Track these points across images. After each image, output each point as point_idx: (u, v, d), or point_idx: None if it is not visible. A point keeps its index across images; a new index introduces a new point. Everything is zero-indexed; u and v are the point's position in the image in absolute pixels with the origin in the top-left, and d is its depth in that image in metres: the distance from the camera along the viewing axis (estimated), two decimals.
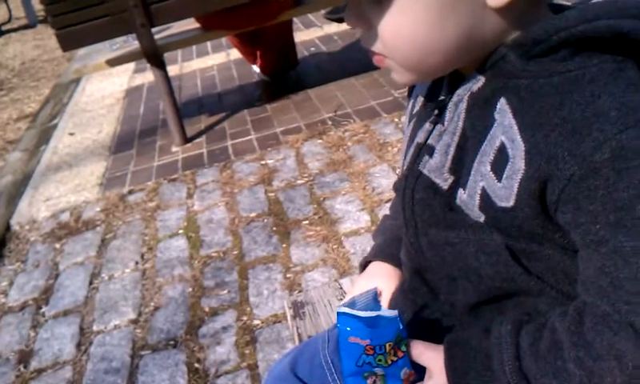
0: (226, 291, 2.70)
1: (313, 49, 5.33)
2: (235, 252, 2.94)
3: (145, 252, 3.13)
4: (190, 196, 3.52)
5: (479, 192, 0.81)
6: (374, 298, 0.93)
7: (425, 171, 0.89)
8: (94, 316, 2.77)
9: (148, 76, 5.17)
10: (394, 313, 0.87)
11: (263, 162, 3.67)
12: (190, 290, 2.77)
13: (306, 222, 3.02)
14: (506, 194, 0.77)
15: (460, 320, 0.92)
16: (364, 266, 1.20)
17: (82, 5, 3.69)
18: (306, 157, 3.60)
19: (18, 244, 3.46)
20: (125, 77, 5.84)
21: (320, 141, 3.74)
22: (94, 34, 3.81)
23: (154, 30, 3.89)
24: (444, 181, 0.87)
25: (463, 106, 0.84)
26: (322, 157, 3.55)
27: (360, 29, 0.84)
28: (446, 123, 0.87)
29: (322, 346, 1.13)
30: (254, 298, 2.61)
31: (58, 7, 3.69)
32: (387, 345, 0.86)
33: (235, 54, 5.32)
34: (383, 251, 1.16)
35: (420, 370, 0.90)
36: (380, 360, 0.86)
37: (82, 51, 4.66)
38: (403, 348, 0.87)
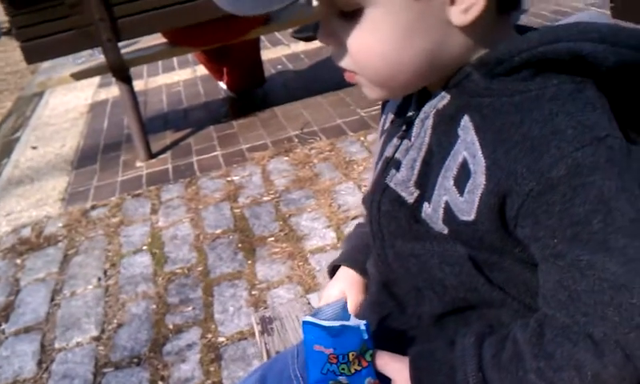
0: (190, 308, 2.68)
1: (280, 67, 5.35)
2: (200, 268, 2.92)
3: (108, 268, 3.10)
4: (154, 212, 3.49)
5: (443, 206, 0.83)
6: (343, 308, 0.94)
7: (391, 184, 0.91)
8: (55, 333, 2.73)
9: (113, 90, 5.13)
10: (361, 323, 0.87)
11: (229, 179, 3.66)
12: (154, 306, 2.74)
13: (272, 238, 3.02)
14: (467, 208, 0.79)
15: (426, 332, 0.94)
16: (332, 270, 1.20)
17: (47, 18, 3.66)
18: (272, 174, 3.60)
19: None
20: (89, 91, 5.79)
21: (286, 158, 3.75)
22: (59, 47, 3.78)
23: (120, 44, 3.88)
24: (410, 194, 0.88)
25: (429, 122, 0.87)
26: (288, 174, 3.56)
27: (331, 45, 0.86)
28: (412, 138, 0.89)
29: (292, 360, 1.13)
30: (218, 314, 2.60)
31: (24, 19, 3.65)
32: (350, 354, 0.87)
33: (202, 70, 5.31)
34: (350, 257, 1.18)
35: (385, 381, 0.90)
36: (343, 369, 0.87)
37: (46, 64, 4.63)
38: (368, 358, 0.88)
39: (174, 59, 5.85)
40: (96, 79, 5.64)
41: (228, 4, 0.79)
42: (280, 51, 5.73)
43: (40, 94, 5.95)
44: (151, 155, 4.11)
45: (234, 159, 3.88)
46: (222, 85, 4.87)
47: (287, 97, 4.59)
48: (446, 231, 0.83)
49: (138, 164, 4.08)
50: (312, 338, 0.88)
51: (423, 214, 0.86)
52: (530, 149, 0.73)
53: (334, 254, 2.71)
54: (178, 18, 3.84)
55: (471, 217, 0.79)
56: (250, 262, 2.88)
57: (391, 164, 0.92)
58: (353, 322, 0.88)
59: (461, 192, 0.80)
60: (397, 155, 0.92)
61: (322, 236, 2.93)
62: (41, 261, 3.27)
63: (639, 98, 0.82)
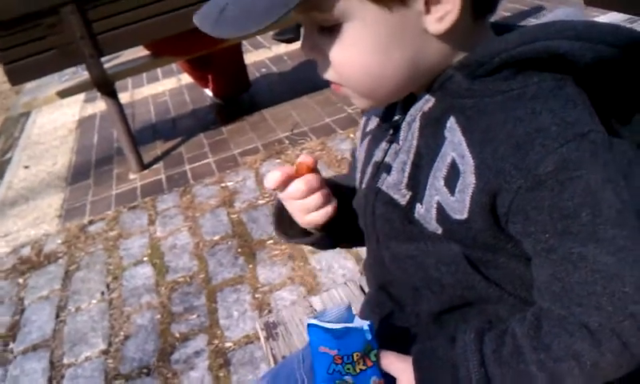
0: (195, 316, 2.72)
1: (264, 70, 5.37)
2: (202, 276, 2.96)
3: (110, 282, 3.13)
4: (151, 223, 3.53)
5: (435, 206, 0.85)
6: (348, 310, 0.96)
7: (383, 188, 0.93)
8: (63, 349, 2.76)
9: (99, 105, 5.14)
10: (365, 324, 0.90)
11: (223, 185, 3.69)
12: (159, 316, 2.78)
13: (271, 241, 3.05)
14: (459, 207, 0.82)
15: (426, 330, 0.96)
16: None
17: (29, 38, 3.67)
18: (265, 177, 3.61)
19: None
20: (76, 107, 5.79)
21: (278, 160, 3.78)
22: (42, 66, 3.80)
23: (103, 59, 3.90)
24: (402, 196, 0.90)
25: (416, 125, 0.89)
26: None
27: (315, 58, 0.88)
28: (401, 142, 0.91)
29: (298, 365, 1.15)
30: (224, 320, 2.64)
31: (5, 41, 3.66)
32: (355, 354, 0.89)
33: (186, 78, 5.33)
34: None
35: (391, 380, 0.93)
36: (349, 369, 0.90)
37: (30, 84, 4.63)
38: (373, 358, 0.91)
39: (158, 69, 5.85)
40: (82, 95, 5.63)
41: (208, 27, 0.81)
42: (263, 54, 5.75)
43: (27, 114, 5.94)
44: (144, 166, 4.14)
45: (226, 165, 3.92)
46: (208, 92, 4.88)
47: (274, 99, 4.62)
48: (440, 231, 0.85)
49: (132, 176, 4.11)
50: (317, 340, 0.91)
51: (416, 215, 0.88)
52: (515, 147, 0.76)
53: (334, 253, 2.77)
54: (158, 30, 3.86)
55: (464, 215, 0.81)
56: (250, 265, 2.92)
57: (382, 168, 0.94)
58: (357, 323, 0.91)
59: (452, 192, 0.82)
60: (387, 159, 0.94)
61: None
62: (43, 279, 3.29)
63: (618, 91, 0.86)
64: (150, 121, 5.02)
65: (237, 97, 4.84)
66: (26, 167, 4.77)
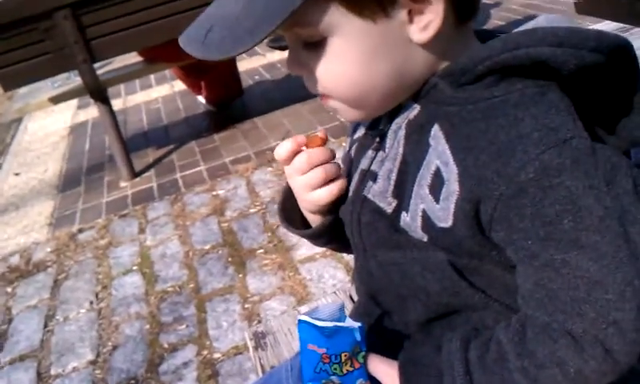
0: (184, 326, 2.69)
1: (257, 77, 5.37)
2: (191, 285, 2.93)
3: (99, 291, 3.10)
4: (141, 231, 3.50)
5: (420, 214, 0.84)
6: (340, 310, 0.95)
7: (369, 196, 0.93)
8: (51, 359, 2.73)
9: (92, 111, 5.12)
10: (355, 325, 0.89)
11: (214, 193, 3.67)
12: (148, 326, 2.75)
13: (261, 250, 3.03)
14: (443, 215, 0.81)
15: (413, 338, 0.95)
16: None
17: (22, 44, 3.66)
18: (257, 185, 3.62)
19: None
20: (68, 113, 5.78)
21: (270, 168, 3.77)
22: (35, 72, 3.79)
23: (96, 65, 3.88)
24: (388, 205, 0.90)
25: (402, 133, 0.89)
26: (273, 184, 3.57)
27: (302, 74, 0.87)
28: (387, 150, 0.91)
29: (286, 375, 1.14)
30: (213, 330, 2.61)
31: None
32: (343, 355, 0.89)
33: (180, 85, 5.32)
34: None
35: (377, 383, 0.92)
36: (335, 369, 0.89)
37: (23, 89, 4.62)
38: (360, 359, 0.90)
39: (152, 76, 5.84)
40: (74, 101, 5.62)
41: (194, 49, 0.81)
42: (256, 61, 5.74)
43: (18, 120, 5.92)
44: (135, 174, 4.12)
45: (218, 173, 3.90)
46: (201, 99, 4.88)
47: (267, 107, 4.61)
48: (425, 239, 0.85)
49: (123, 184, 4.08)
50: (306, 337, 0.90)
51: (402, 223, 0.88)
52: (497, 154, 0.75)
53: (324, 263, 2.76)
54: (152, 36, 3.85)
55: (448, 223, 0.81)
56: (240, 275, 2.90)
57: (368, 176, 0.94)
58: (347, 323, 0.90)
59: (436, 199, 0.82)
60: (373, 167, 0.93)
61: (310, 245, 2.93)
62: (31, 287, 3.27)
63: (602, 97, 0.85)
64: (142, 128, 5.00)
65: (229, 104, 4.83)
66: (17, 174, 4.75)
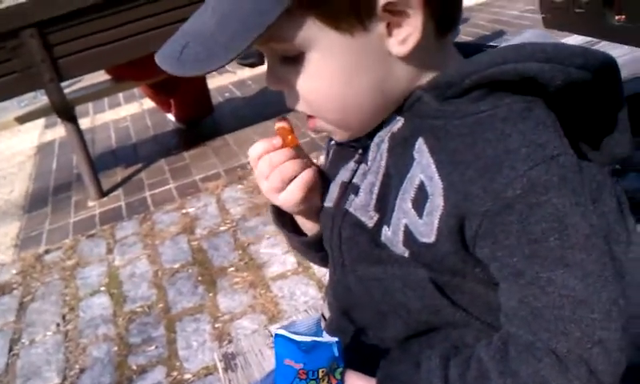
0: (153, 347, 2.64)
1: (227, 94, 5.35)
2: (161, 305, 2.88)
3: (66, 313, 3.04)
4: (109, 251, 3.44)
5: (402, 229, 0.83)
6: (317, 323, 0.92)
7: (351, 210, 0.91)
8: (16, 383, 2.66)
9: (59, 130, 5.06)
10: (333, 340, 0.87)
11: (184, 211, 3.63)
12: (116, 348, 2.70)
13: (232, 268, 2.99)
14: (426, 230, 0.79)
15: (390, 356, 0.93)
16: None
17: None
18: (227, 203, 3.59)
19: None
20: (35, 133, 5.70)
21: (240, 186, 3.73)
22: (1, 91, 3.73)
23: (63, 84, 3.83)
24: (369, 218, 0.88)
25: (385, 146, 0.87)
26: (244, 201, 3.54)
27: (282, 90, 0.86)
28: (369, 163, 0.89)
29: None
30: (183, 351, 2.56)
31: None
32: (320, 371, 0.86)
33: (149, 103, 5.28)
34: None
35: None
36: None
37: None
38: (337, 376, 0.88)
39: (120, 94, 5.80)
40: (41, 120, 5.56)
41: (170, 66, 0.79)
42: (226, 79, 5.72)
43: None
44: (103, 193, 4.06)
45: (187, 191, 3.86)
46: (171, 117, 4.84)
47: (237, 124, 4.59)
48: (407, 254, 0.83)
49: (90, 203, 4.02)
50: (283, 352, 0.87)
51: (383, 238, 0.86)
52: (484, 169, 0.74)
53: (296, 280, 2.73)
54: (120, 54, 3.81)
55: (431, 239, 0.79)
56: (211, 294, 2.86)
57: (349, 189, 0.92)
58: (325, 338, 0.88)
59: (420, 214, 0.80)
60: (354, 180, 0.92)
61: (282, 262, 2.92)
62: None
63: (587, 114, 0.84)
64: (110, 147, 4.94)
65: (200, 121, 4.80)
66: None
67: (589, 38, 1.90)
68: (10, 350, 2.89)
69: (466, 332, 0.87)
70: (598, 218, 0.74)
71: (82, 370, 2.63)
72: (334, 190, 0.96)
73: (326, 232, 0.99)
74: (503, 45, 0.84)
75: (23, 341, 2.92)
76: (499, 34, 4.82)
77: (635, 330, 0.75)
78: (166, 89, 4.49)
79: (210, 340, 2.57)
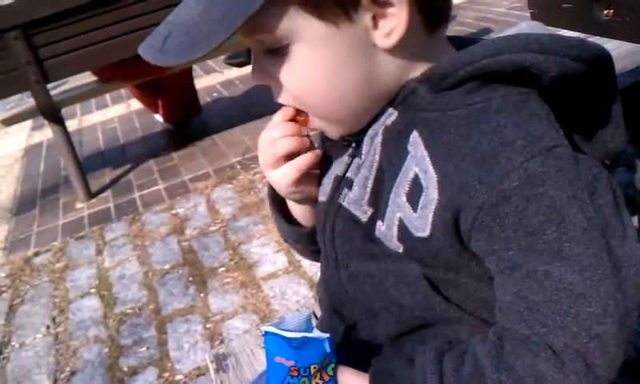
0: (144, 348, 2.63)
1: (215, 94, 5.33)
2: (151, 306, 2.87)
3: (56, 315, 3.02)
4: (99, 253, 3.43)
5: (397, 223, 0.82)
6: (307, 320, 0.92)
7: (345, 204, 0.91)
8: None
9: (47, 132, 5.04)
10: (324, 336, 0.86)
11: (174, 212, 3.62)
12: (107, 350, 2.68)
13: (223, 268, 2.98)
14: (421, 224, 0.79)
15: (382, 353, 0.93)
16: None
17: None
18: (217, 203, 3.58)
19: None
20: (22, 135, 5.67)
21: (230, 185, 3.72)
22: None
23: (49, 85, 3.80)
24: (363, 213, 0.88)
25: (378, 139, 0.86)
26: (234, 201, 3.53)
27: (269, 84, 0.85)
28: (363, 156, 0.89)
29: None
30: (174, 352, 2.55)
31: None
32: (312, 367, 0.86)
33: (136, 104, 5.26)
34: None
35: None
36: (304, 382, 0.86)
37: None
38: (330, 372, 0.87)
39: (107, 95, 5.77)
40: (28, 122, 5.52)
41: (151, 56, 0.79)
42: (214, 79, 5.70)
43: None
44: (91, 195, 4.04)
45: (177, 191, 3.84)
46: (158, 117, 4.82)
47: (225, 124, 4.57)
48: (401, 249, 0.83)
49: (79, 205, 4.00)
50: (273, 349, 0.87)
51: (377, 233, 0.86)
52: (480, 161, 0.74)
53: (287, 279, 2.73)
54: (106, 55, 3.79)
55: (426, 233, 0.79)
56: (202, 294, 2.85)
57: (343, 183, 0.92)
58: (316, 334, 0.87)
59: (414, 208, 0.80)
60: (348, 174, 0.91)
61: (273, 261, 2.92)
62: None
63: (581, 106, 0.84)
64: (98, 148, 4.92)
65: (187, 122, 4.79)
66: None
67: (577, 33, 1.91)
68: (0, 353, 2.87)
69: (459, 328, 0.87)
70: (595, 211, 0.74)
71: (72, 373, 2.61)
72: (327, 184, 0.96)
73: (319, 226, 0.98)
74: (497, 35, 0.84)
75: (13, 344, 2.91)
76: (486, 31, 4.83)
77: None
78: (153, 89, 4.47)
79: (201, 341, 2.56)
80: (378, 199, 0.86)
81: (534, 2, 1.83)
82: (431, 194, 0.77)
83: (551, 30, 2.13)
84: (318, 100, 0.83)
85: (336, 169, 0.94)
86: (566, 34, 0.81)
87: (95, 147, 4.95)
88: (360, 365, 0.92)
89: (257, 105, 4.60)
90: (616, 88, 0.85)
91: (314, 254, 1.09)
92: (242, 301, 2.72)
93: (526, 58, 0.76)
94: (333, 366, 0.88)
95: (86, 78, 4.21)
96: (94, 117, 5.65)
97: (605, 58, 0.81)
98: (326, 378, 0.87)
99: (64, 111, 4.00)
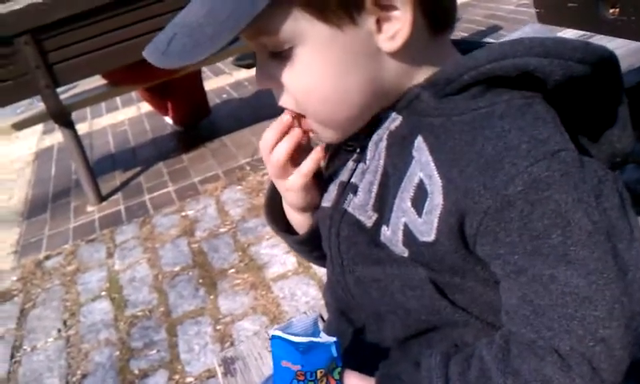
0: (155, 351, 2.63)
1: (224, 96, 5.34)
2: (162, 309, 2.88)
3: (67, 318, 3.03)
4: (110, 255, 3.44)
5: (402, 228, 0.82)
6: (314, 323, 0.92)
7: (350, 209, 0.91)
8: None
9: (57, 136, 5.05)
10: (331, 340, 0.86)
11: (183, 214, 3.63)
12: (118, 353, 2.69)
13: (233, 270, 2.99)
14: (426, 228, 0.79)
15: (389, 356, 0.93)
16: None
17: None
18: (226, 204, 3.58)
19: None
20: (33, 139, 5.70)
21: (239, 187, 3.73)
22: None
23: (59, 89, 3.82)
24: (368, 218, 0.88)
25: (383, 144, 0.86)
26: (243, 203, 3.54)
27: (272, 88, 0.86)
28: (367, 162, 0.89)
29: None
30: (184, 354, 2.56)
31: None
32: (318, 372, 0.85)
33: (146, 106, 5.27)
34: None
35: None
36: None
37: None
38: (336, 376, 0.87)
39: (118, 98, 5.80)
40: (39, 126, 5.55)
41: (155, 59, 0.80)
42: (223, 80, 5.71)
43: None
44: (102, 198, 4.06)
45: (186, 193, 3.85)
46: (168, 119, 4.83)
47: (235, 125, 4.58)
48: (406, 254, 0.83)
49: (89, 208, 4.02)
50: (280, 353, 0.86)
51: (382, 238, 0.86)
52: (484, 166, 0.74)
53: (296, 280, 2.73)
54: (115, 59, 3.80)
55: (431, 237, 0.79)
56: (212, 296, 2.85)
57: (348, 188, 0.92)
58: (323, 338, 0.87)
59: (419, 213, 0.80)
60: (353, 179, 0.91)
61: (282, 262, 2.92)
62: None
63: (586, 109, 0.84)
64: (108, 151, 4.94)
65: (197, 124, 4.80)
66: None
67: (583, 32, 1.90)
68: (12, 357, 2.89)
69: (465, 332, 0.86)
70: (600, 215, 0.73)
71: (84, 376, 2.63)
72: (332, 190, 0.96)
73: (324, 232, 0.98)
74: (501, 40, 0.84)
75: (25, 348, 2.92)
76: (495, 29, 4.81)
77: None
78: (162, 92, 4.48)
79: (211, 343, 2.57)
80: (383, 204, 0.86)
81: (540, 0, 1.82)
82: (436, 199, 0.77)
83: (557, 29, 2.12)
84: (320, 103, 0.83)
85: (341, 175, 0.95)
86: (570, 36, 0.80)
87: (106, 150, 4.97)
88: (367, 367, 0.92)
89: (266, 106, 4.57)
90: (622, 89, 0.84)
91: (317, 260, 1.09)
92: (251, 302, 2.73)
93: (530, 62, 0.76)
94: (339, 370, 0.88)
95: (96, 81, 4.23)
96: (104, 120, 5.68)
97: (610, 59, 0.80)
98: (333, 382, 0.87)
99: (74, 115, 4.02)
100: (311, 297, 2.63)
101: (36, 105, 4.13)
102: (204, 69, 5.10)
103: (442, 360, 0.82)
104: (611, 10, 1.56)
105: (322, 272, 2.69)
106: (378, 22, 0.77)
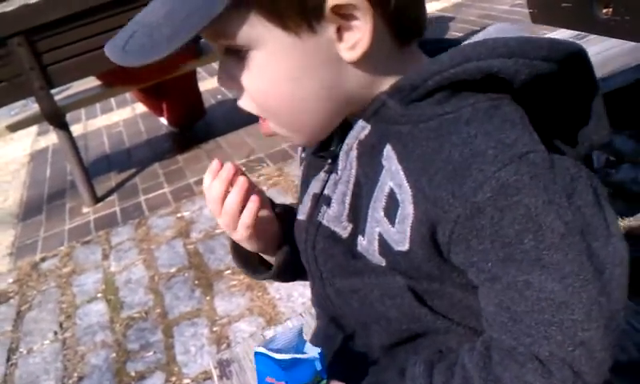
0: (151, 352, 2.63)
1: (219, 97, 5.33)
2: (158, 310, 2.88)
3: (63, 320, 3.03)
4: (105, 257, 3.44)
5: (377, 238, 0.82)
6: (298, 336, 0.92)
7: (324, 221, 0.90)
8: None
9: (52, 137, 5.04)
10: (315, 353, 0.86)
11: (179, 215, 3.62)
12: (114, 355, 2.69)
13: (229, 271, 2.98)
14: (400, 238, 0.78)
15: (378, 362, 0.93)
16: None
17: None
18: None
19: None
20: (28, 140, 5.69)
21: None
22: None
23: (53, 91, 3.82)
24: (343, 229, 0.87)
25: (354, 154, 0.85)
26: None
27: (232, 88, 0.84)
28: (339, 172, 0.87)
29: None
30: (181, 356, 2.56)
31: None
32: None
33: (141, 107, 5.26)
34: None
35: None
36: None
37: None
38: None
39: (112, 99, 5.79)
40: (34, 128, 5.54)
41: (114, 56, 0.80)
42: None
43: None
44: (97, 199, 4.05)
45: (182, 194, 3.85)
46: (163, 120, 4.83)
47: (230, 126, 4.57)
48: (383, 263, 0.82)
49: (85, 210, 4.01)
50: (264, 370, 0.86)
51: (359, 248, 0.85)
52: (452, 174, 0.72)
53: (293, 282, 2.70)
54: (109, 60, 3.77)
55: (405, 247, 0.78)
56: (208, 297, 2.85)
57: (321, 200, 0.91)
58: (307, 349, 0.86)
59: (392, 222, 0.79)
60: (326, 191, 0.90)
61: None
62: None
63: (557, 106, 0.83)
64: (103, 152, 4.94)
65: (192, 125, 4.79)
66: None
67: (576, 32, 1.91)
68: (8, 359, 2.88)
69: (449, 338, 0.86)
70: (573, 215, 0.72)
71: (80, 378, 2.62)
72: (306, 203, 0.95)
73: (300, 246, 0.97)
74: (465, 42, 0.82)
75: (21, 350, 2.92)
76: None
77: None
78: (157, 93, 4.48)
79: (207, 344, 2.56)
80: (357, 214, 0.85)
81: (533, 1, 1.83)
82: (407, 209, 0.76)
83: (550, 29, 2.12)
84: (278, 108, 0.82)
85: (314, 186, 0.93)
86: (560, 37, 0.80)
87: (100, 151, 4.96)
88: (358, 373, 0.92)
89: None
90: (595, 82, 0.83)
91: (300, 278, 1.09)
92: (248, 303, 2.73)
93: (494, 64, 0.74)
94: (324, 382, 0.87)
95: (91, 82, 4.22)
96: (99, 121, 5.67)
97: (577, 54, 0.79)
98: None
99: (69, 116, 4.01)
100: (307, 298, 2.61)
101: (30, 106, 4.11)
102: (199, 69, 5.09)
103: (425, 369, 0.81)
104: (604, 10, 1.57)
105: None
106: (339, 31, 0.76)
